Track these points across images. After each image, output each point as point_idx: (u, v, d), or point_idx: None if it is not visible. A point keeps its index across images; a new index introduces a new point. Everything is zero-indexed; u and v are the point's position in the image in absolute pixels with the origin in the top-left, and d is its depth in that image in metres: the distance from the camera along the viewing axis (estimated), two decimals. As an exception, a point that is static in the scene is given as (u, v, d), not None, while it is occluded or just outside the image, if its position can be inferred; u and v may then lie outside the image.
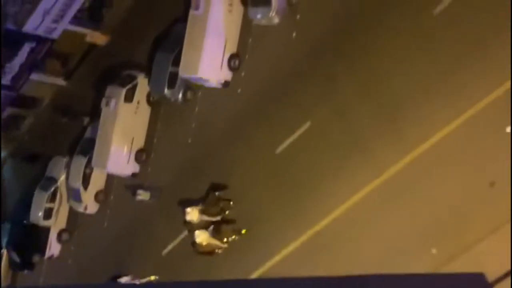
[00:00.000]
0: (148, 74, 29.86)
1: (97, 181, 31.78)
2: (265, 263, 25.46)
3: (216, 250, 26.12)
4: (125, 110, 29.97)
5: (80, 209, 32.03)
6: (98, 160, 30.30)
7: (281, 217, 25.33)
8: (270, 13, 25.88)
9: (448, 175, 21.88)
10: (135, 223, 30.53)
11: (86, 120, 33.06)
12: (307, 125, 25.02)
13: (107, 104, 30.07)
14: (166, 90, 28.77)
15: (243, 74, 27.37)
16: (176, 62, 27.87)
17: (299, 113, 25.22)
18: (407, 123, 22.76)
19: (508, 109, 20.90)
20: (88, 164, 31.19)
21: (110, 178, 31.68)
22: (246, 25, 27.16)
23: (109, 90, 30.39)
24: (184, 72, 27.43)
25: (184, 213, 26.47)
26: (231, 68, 27.44)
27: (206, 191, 27.05)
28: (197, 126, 28.79)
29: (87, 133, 32.23)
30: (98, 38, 33.09)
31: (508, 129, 20.97)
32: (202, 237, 25.88)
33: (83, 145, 31.88)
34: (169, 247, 28.79)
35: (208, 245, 25.98)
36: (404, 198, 22.67)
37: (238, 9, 27.29)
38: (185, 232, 27.95)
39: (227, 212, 26.28)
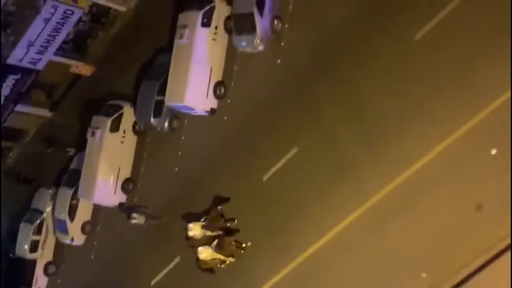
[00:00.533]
0: (134, 103, 29.84)
1: (84, 213, 31.52)
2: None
3: (219, 265, 25.91)
4: (111, 140, 29.86)
5: (67, 241, 31.71)
6: (84, 191, 30.11)
7: (270, 245, 25.19)
8: (255, 41, 26.01)
9: (436, 199, 21.88)
10: (122, 253, 30.23)
11: (72, 151, 32.89)
12: (294, 150, 25.01)
13: (93, 134, 29.97)
14: (152, 119, 28.75)
15: (229, 101, 27.40)
16: (162, 90, 27.87)
17: (286, 139, 25.22)
18: (393, 148, 22.79)
19: (493, 131, 21.04)
20: (74, 195, 30.98)
21: (97, 208, 31.45)
22: (231, 52, 27.27)
23: (95, 120, 30.31)
24: (170, 100, 27.44)
25: (186, 229, 26.28)
26: (216, 95, 27.47)
27: (209, 206, 26.78)
28: (183, 154, 28.71)
29: (73, 164, 32.05)
30: (83, 68, 33.10)
31: (494, 152, 21.06)
32: (205, 253, 25.77)
33: (69, 176, 31.69)
34: (159, 276, 28.55)
35: (212, 260, 25.86)
36: (391, 223, 22.62)
37: (223, 37, 27.42)
38: (175, 261, 27.79)
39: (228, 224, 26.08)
